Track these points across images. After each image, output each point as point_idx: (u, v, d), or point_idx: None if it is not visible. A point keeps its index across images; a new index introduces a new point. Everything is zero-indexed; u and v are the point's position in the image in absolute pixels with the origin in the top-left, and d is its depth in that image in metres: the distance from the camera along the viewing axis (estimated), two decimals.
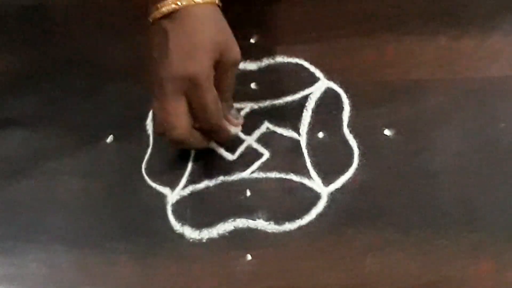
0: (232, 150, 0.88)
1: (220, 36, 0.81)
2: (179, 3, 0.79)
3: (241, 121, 0.88)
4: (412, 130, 0.88)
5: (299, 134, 0.89)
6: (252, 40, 0.98)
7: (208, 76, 0.80)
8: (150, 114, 0.91)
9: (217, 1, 0.82)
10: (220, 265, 0.80)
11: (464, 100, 0.90)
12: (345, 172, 0.85)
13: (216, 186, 0.86)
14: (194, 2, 0.80)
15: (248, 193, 0.85)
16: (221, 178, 0.86)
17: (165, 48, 0.79)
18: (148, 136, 0.91)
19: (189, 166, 0.87)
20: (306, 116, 0.90)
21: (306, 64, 0.95)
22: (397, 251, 0.79)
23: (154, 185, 0.86)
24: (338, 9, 1.00)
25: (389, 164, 0.86)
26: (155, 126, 0.87)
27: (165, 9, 0.80)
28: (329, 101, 0.92)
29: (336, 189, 0.84)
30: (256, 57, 0.96)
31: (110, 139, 0.91)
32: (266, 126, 0.90)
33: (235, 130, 0.87)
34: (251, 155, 0.88)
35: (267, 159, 0.87)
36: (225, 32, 0.83)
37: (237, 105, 0.92)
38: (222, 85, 0.83)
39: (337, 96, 0.92)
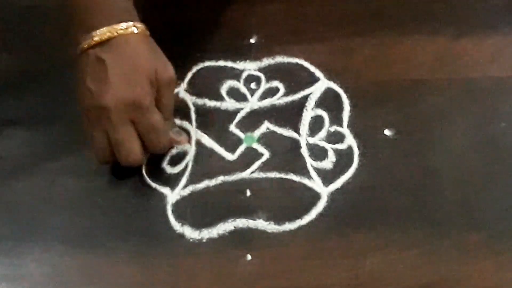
0: (232, 150, 0.88)
1: (154, 58, 0.83)
2: (115, 32, 0.80)
3: (183, 138, 0.88)
4: (412, 130, 0.88)
5: (299, 134, 0.89)
6: (252, 40, 0.98)
7: (151, 97, 0.82)
8: None
9: (147, 32, 0.84)
10: (220, 265, 0.79)
11: (464, 100, 0.90)
12: (345, 172, 0.85)
13: (216, 186, 0.85)
14: (130, 31, 0.81)
15: (248, 193, 0.85)
16: (221, 178, 0.86)
17: (104, 77, 0.79)
18: None
19: (189, 166, 0.87)
20: (306, 116, 0.90)
21: (306, 64, 0.95)
22: (397, 251, 0.79)
23: (154, 185, 0.86)
24: (338, 9, 1.00)
25: (389, 164, 0.86)
26: (98, 156, 0.84)
27: (98, 38, 0.80)
28: (329, 101, 0.92)
29: (336, 189, 0.84)
30: (256, 57, 0.96)
31: None
32: (266, 126, 0.90)
33: (181, 147, 0.87)
34: (251, 155, 0.88)
35: (267, 159, 0.87)
36: (157, 53, 0.85)
37: (237, 105, 0.92)
38: (162, 104, 0.84)
39: (337, 96, 0.92)
